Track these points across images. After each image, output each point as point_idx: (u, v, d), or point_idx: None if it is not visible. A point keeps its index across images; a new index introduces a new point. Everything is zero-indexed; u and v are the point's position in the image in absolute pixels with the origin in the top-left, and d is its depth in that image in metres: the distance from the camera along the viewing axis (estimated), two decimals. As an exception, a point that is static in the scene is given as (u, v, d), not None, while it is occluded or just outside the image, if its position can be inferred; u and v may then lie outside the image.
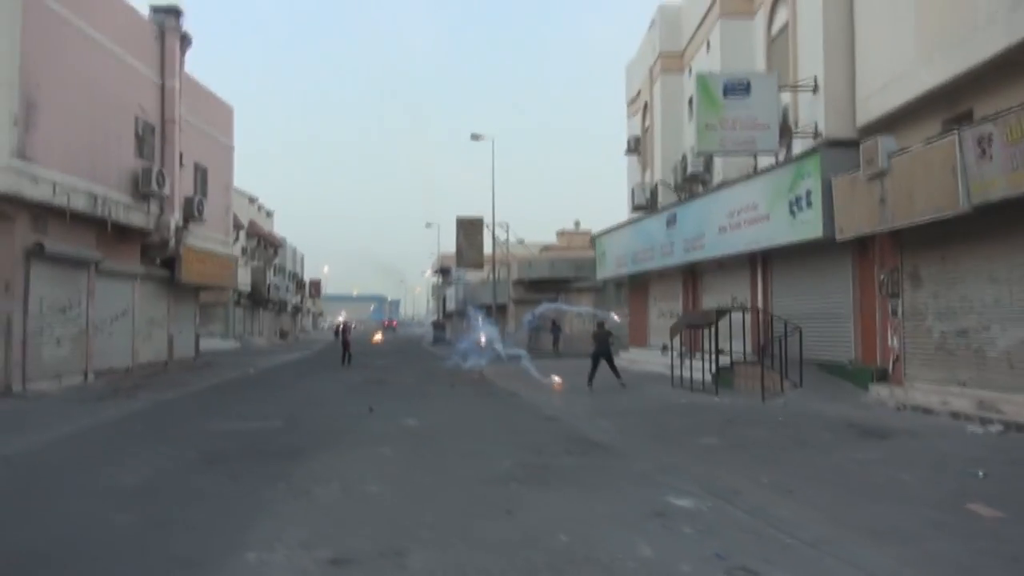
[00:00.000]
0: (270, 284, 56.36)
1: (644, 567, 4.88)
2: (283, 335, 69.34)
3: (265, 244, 57.10)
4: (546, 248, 50.59)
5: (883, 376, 13.34)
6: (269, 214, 61.82)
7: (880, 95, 12.94)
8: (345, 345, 28.59)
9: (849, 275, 14.38)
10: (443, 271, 71.16)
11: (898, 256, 12.95)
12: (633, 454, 9.20)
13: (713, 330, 16.18)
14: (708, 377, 16.35)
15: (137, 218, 21.25)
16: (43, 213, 17.41)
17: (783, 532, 5.63)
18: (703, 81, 14.72)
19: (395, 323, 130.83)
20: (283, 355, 38.42)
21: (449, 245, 49.77)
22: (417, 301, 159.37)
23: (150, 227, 22.10)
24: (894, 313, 13.18)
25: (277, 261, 62.65)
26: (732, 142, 14.55)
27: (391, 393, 17.61)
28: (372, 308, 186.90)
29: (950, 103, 11.81)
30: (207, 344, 34.70)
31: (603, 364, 17.71)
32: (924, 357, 12.43)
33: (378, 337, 69.11)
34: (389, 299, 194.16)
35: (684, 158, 20.21)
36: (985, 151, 9.52)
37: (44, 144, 16.92)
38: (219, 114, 29.36)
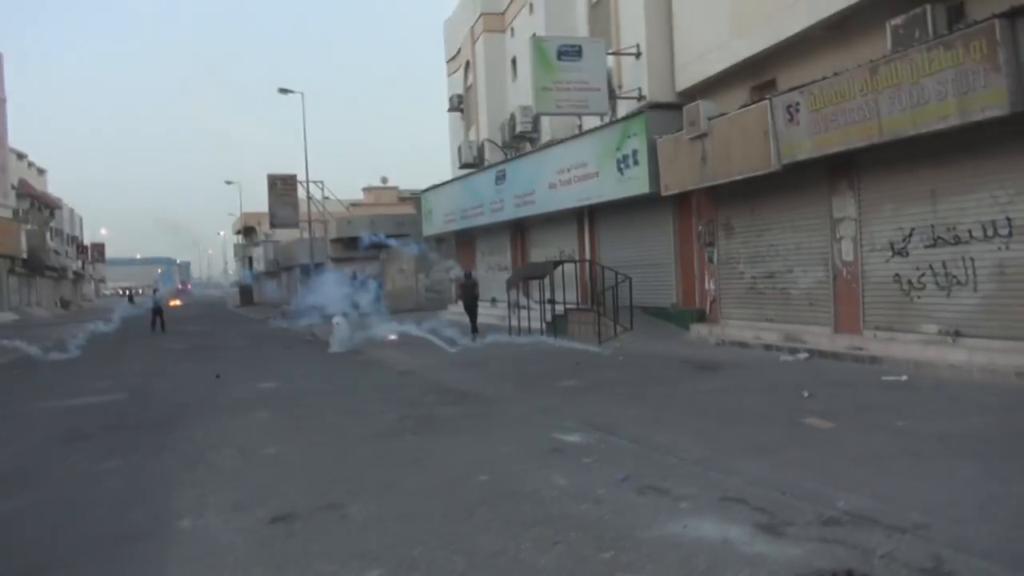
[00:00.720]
0: (50, 249, 50.81)
1: (566, 493, 5.46)
2: (65, 304, 63.04)
3: (40, 206, 51.26)
4: (353, 204, 49.73)
5: (702, 317, 14.97)
6: (41, 172, 55.46)
7: (697, 63, 14.26)
8: (158, 311, 26.83)
9: (670, 227, 15.84)
10: (247, 230, 67.68)
11: (714, 209, 14.50)
12: (504, 400, 9.79)
13: (548, 280, 17.18)
14: (542, 326, 17.39)
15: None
16: None
17: (668, 455, 6.46)
18: (539, 44, 15.35)
19: (189, 286, 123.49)
20: (76, 326, 35.11)
21: (252, 204, 47.64)
22: (212, 262, 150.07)
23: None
24: (710, 260, 14.79)
25: (53, 224, 56.53)
26: (567, 103, 15.37)
27: (227, 359, 17.01)
28: (159, 272, 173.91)
29: (757, 72, 13.31)
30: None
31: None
32: (737, 298, 14.14)
33: (176, 301, 65.02)
34: (178, 261, 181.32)
35: (512, 117, 20.89)
36: (793, 117, 10.96)
37: None
38: (-13, 58, 25.93)
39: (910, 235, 10.44)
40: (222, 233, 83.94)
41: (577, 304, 18.01)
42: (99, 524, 5.25)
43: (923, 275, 10.28)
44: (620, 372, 11.55)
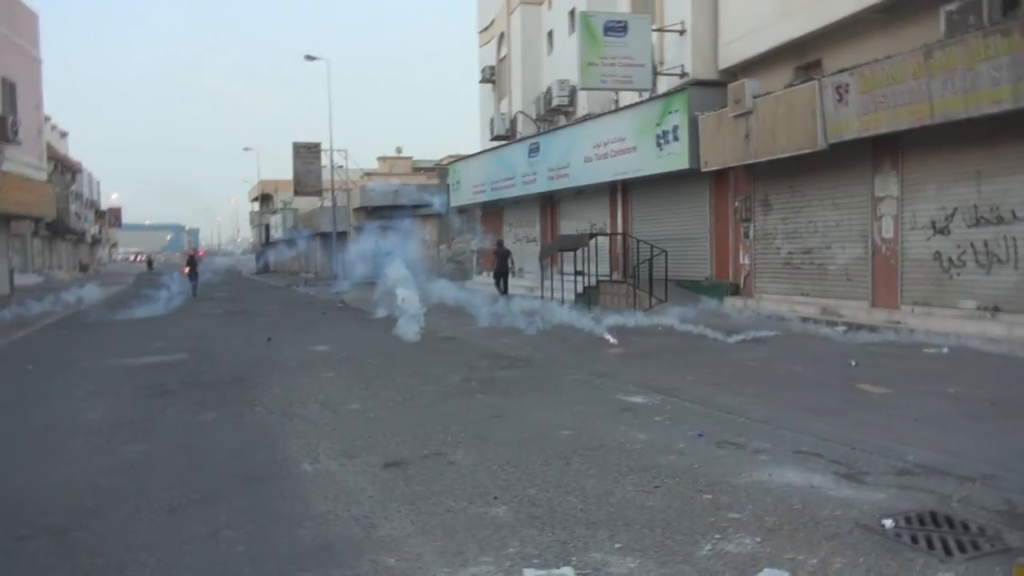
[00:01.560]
0: (72, 213, 51.32)
1: (649, 446, 5.92)
2: (84, 268, 63.86)
3: (62, 169, 51.62)
4: (368, 174, 49.94)
5: (736, 291, 15.37)
6: (64, 135, 55.71)
7: (741, 42, 14.50)
8: (193, 276, 27.35)
9: (706, 202, 16.18)
10: (263, 197, 68.05)
11: (751, 185, 14.84)
12: (558, 365, 10.24)
13: (582, 252, 17.58)
14: (572, 297, 17.82)
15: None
16: None
17: (735, 414, 6.91)
18: (586, 19, 15.59)
19: (202, 252, 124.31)
20: (101, 289, 35.72)
21: (268, 171, 47.85)
22: (222, 230, 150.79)
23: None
24: (746, 235, 15.15)
25: (74, 188, 56.95)
26: (612, 79, 15.64)
27: (268, 324, 17.48)
28: (168, 238, 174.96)
29: (801, 53, 13.56)
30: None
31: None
32: (772, 273, 14.52)
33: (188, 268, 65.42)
34: (187, 228, 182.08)
35: (549, 90, 21.14)
36: (842, 97, 11.26)
37: None
38: (24, 21, 26.17)
39: (952, 214, 10.79)
40: (233, 200, 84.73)
41: (610, 276, 18.41)
42: (226, 466, 5.72)
43: (963, 253, 10.65)
44: (664, 340, 11.99)
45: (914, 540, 3.97)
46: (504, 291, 19.13)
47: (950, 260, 10.87)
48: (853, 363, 9.04)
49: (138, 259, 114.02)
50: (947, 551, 3.83)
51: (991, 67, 8.96)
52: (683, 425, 6.57)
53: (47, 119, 49.81)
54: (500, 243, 21.14)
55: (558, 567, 3.34)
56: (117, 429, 7.01)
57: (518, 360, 10.76)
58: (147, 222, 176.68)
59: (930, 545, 3.90)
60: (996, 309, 10.14)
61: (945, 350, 9.68)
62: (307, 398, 8.28)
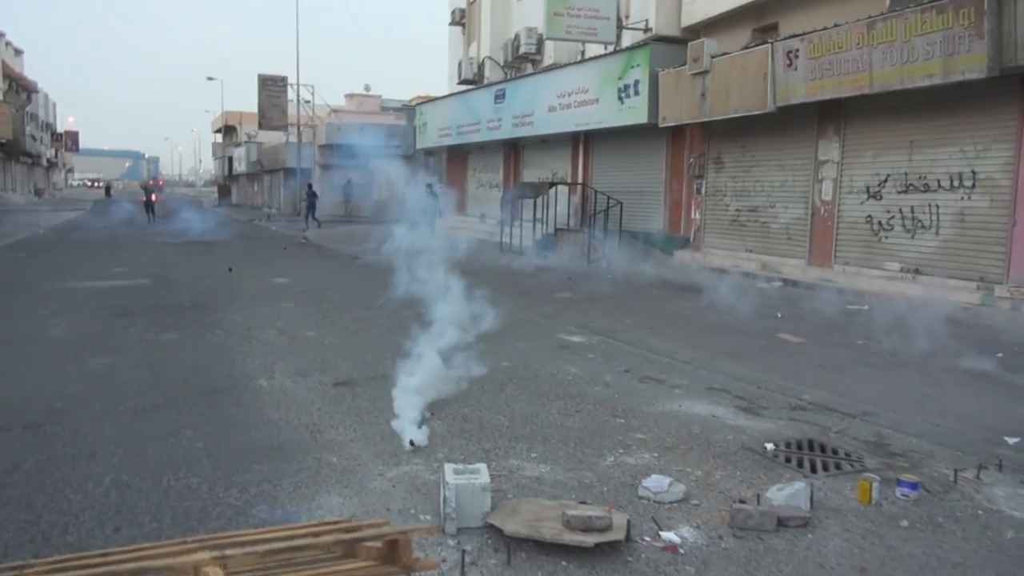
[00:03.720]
0: (27, 135, 49.97)
1: (579, 378, 6.51)
2: (39, 192, 62.46)
3: (18, 88, 50.11)
4: (335, 111, 49.35)
5: (685, 244, 16.01)
6: (19, 52, 53.84)
7: (704, 1, 14.84)
8: (149, 205, 27.25)
9: (663, 158, 16.68)
10: (227, 129, 66.81)
11: (706, 143, 15.35)
12: (510, 306, 10.76)
13: (543, 199, 18.03)
14: (530, 243, 18.31)
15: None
16: None
17: (662, 355, 7.54)
18: (553, -31, 15.77)
19: (162, 182, 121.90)
20: (58, 214, 35.29)
21: (233, 103, 46.92)
22: (183, 159, 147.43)
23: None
24: (698, 191, 15.73)
25: (29, 108, 55.29)
26: (576, 30, 15.90)
27: (229, 255, 17.69)
28: (127, 165, 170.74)
29: (760, 15, 13.97)
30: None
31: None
32: (720, 229, 15.16)
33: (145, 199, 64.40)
34: (147, 156, 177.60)
35: (516, 37, 21.25)
36: (792, 62, 11.74)
37: None
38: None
39: (885, 180, 11.45)
40: (195, 130, 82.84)
41: (568, 225, 18.93)
42: (186, 380, 6.18)
43: (892, 218, 11.35)
44: (611, 287, 12.60)
45: (787, 460, 4.62)
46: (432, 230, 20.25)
47: (880, 224, 11.58)
48: (779, 315, 9.74)
49: (95, 185, 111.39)
50: (813, 470, 4.48)
51: (925, 42, 9.50)
52: (613, 362, 7.17)
53: (1, 35, 48.20)
54: (429, 186, 21.86)
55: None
56: (82, 344, 7.41)
57: (471, 300, 11.26)
58: (106, 148, 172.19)
59: (799, 464, 4.55)
60: (917, 271, 10.90)
61: (866, 307, 10.43)
62: (265, 324, 8.71)
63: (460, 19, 26.14)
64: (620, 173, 18.15)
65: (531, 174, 22.16)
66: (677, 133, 16.01)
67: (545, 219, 18.42)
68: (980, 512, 3.95)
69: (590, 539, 3.26)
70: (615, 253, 16.50)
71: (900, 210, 11.22)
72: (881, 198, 11.53)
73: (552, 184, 18.31)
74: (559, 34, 16.08)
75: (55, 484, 3.93)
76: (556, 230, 18.60)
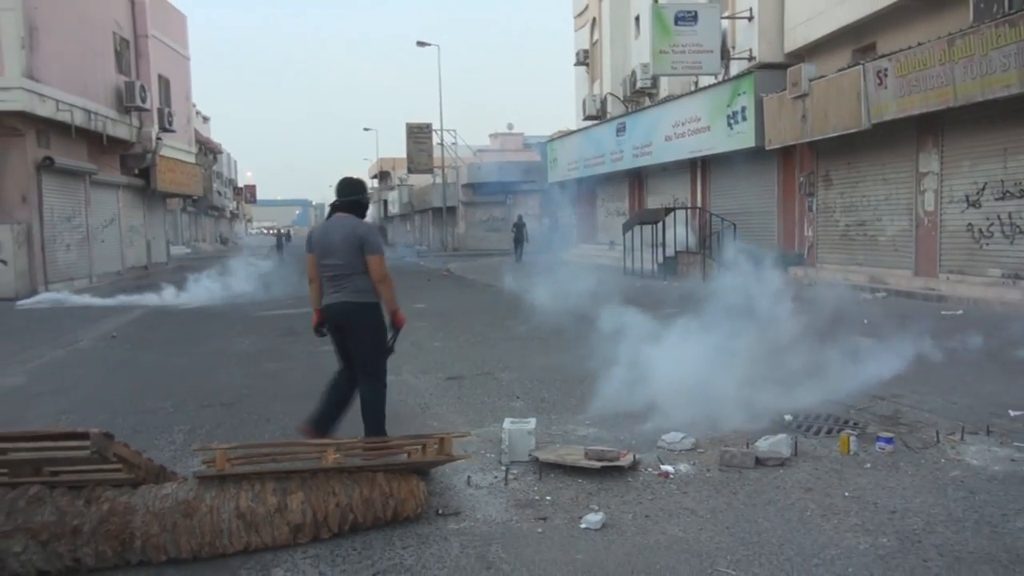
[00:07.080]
0: (214, 190, 56.71)
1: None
2: (224, 241, 70.11)
3: (206, 151, 57.04)
4: (480, 151, 52.27)
5: (799, 260, 16.48)
6: (206, 119, 61.35)
7: (804, 27, 15.50)
8: (280, 246, 30.55)
9: (774, 178, 17.29)
10: (382, 175, 72.06)
11: (814, 162, 15.88)
12: (618, 319, 11.96)
13: (661, 225, 19.04)
14: (653, 267, 19.30)
15: (122, 131, 22.44)
16: (46, 129, 18.65)
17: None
18: (658, 11, 16.97)
19: None
20: (244, 258, 40.02)
21: (387, 150, 50.96)
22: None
23: (133, 139, 23.32)
24: (810, 209, 16.22)
25: (215, 167, 62.60)
26: (681, 65, 16.98)
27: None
28: (297, 212, 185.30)
29: (858, 37, 14.48)
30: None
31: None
32: (832, 244, 15.58)
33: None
34: (314, 203, 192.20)
35: (634, 73, 22.52)
36: (882, 81, 12.28)
37: (45, 64, 18.00)
38: (174, 23, 29.77)
39: (983, 188, 11.69)
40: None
41: (687, 247, 19.78)
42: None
43: (991, 225, 11.56)
44: (714, 305, 13.44)
45: (799, 427, 5.60)
46: (519, 258, 23.48)
47: (980, 231, 11.78)
48: (865, 321, 10.31)
49: (271, 232, 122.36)
50: (816, 433, 5.43)
51: (1001, 54, 9.89)
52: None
53: (193, 106, 55.33)
54: (520, 218, 25.27)
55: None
56: (260, 354, 9.43)
57: (584, 318, 12.55)
58: (278, 197, 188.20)
59: (807, 429, 5.51)
60: (1017, 276, 11.05)
61: (960, 312, 10.74)
62: (401, 339, 10.38)
63: (584, 59, 27.74)
64: (736, 195, 18.85)
65: (654, 200, 23.17)
66: (787, 154, 16.61)
67: (664, 243, 19.39)
68: (943, 460, 4.79)
69: (599, 464, 4.50)
70: (730, 272, 17.18)
71: (999, 216, 11.42)
72: (980, 206, 11.76)
73: (669, 210, 19.28)
74: (665, 70, 17.20)
75: (243, 438, 5.64)
76: (676, 252, 19.49)
